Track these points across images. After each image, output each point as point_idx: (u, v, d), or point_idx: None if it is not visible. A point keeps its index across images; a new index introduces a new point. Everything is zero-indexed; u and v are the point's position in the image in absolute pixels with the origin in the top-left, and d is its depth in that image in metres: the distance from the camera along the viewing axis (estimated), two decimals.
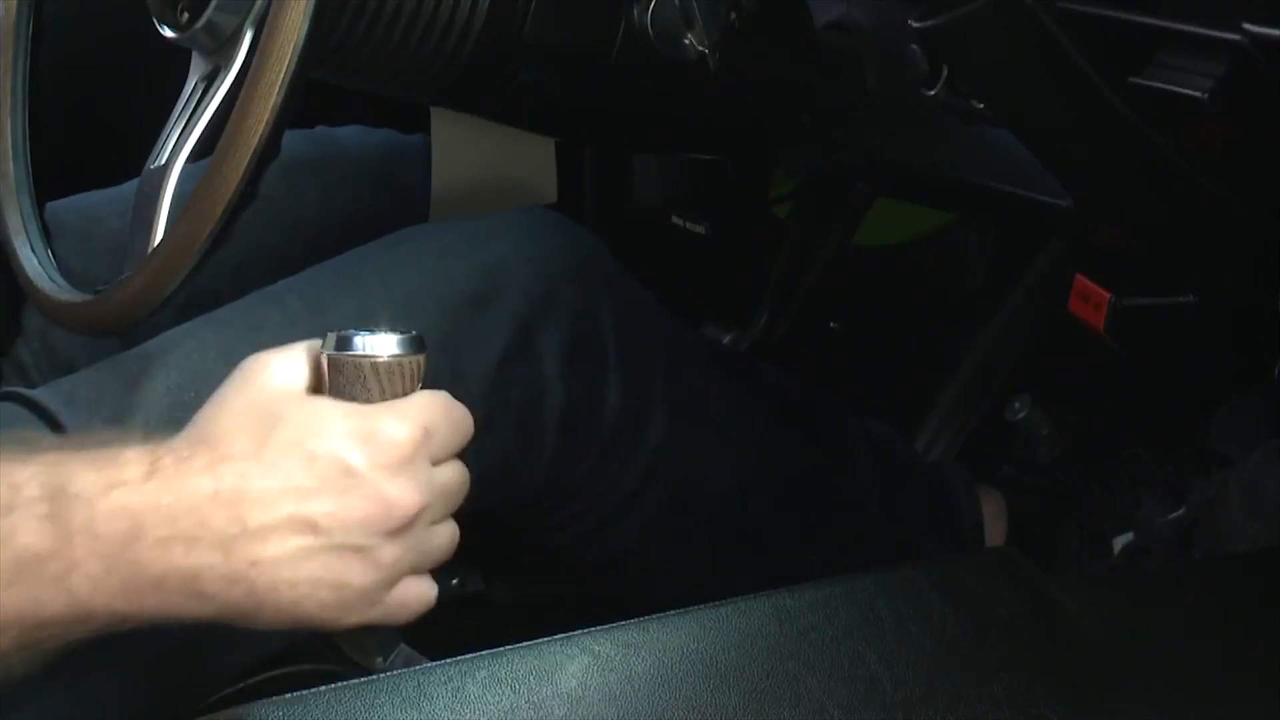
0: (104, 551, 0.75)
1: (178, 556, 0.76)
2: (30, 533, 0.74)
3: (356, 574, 0.79)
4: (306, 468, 0.79)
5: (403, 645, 0.84)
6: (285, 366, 0.82)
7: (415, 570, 0.82)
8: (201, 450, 0.79)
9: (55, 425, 0.93)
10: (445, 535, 0.83)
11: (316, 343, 0.83)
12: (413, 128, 1.31)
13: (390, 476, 0.79)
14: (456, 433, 0.84)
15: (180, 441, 0.80)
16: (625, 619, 0.78)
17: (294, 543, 0.78)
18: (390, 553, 0.80)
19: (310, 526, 0.78)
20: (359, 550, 0.79)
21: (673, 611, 0.78)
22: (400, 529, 0.80)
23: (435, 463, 0.82)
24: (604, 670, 0.74)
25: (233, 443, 0.79)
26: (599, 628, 0.77)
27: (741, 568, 1.20)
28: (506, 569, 1.32)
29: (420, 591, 0.82)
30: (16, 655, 0.75)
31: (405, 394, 0.82)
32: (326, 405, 0.81)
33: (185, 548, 0.76)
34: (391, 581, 0.81)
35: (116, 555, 0.75)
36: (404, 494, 0.80)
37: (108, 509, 0.75)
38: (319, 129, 1.30)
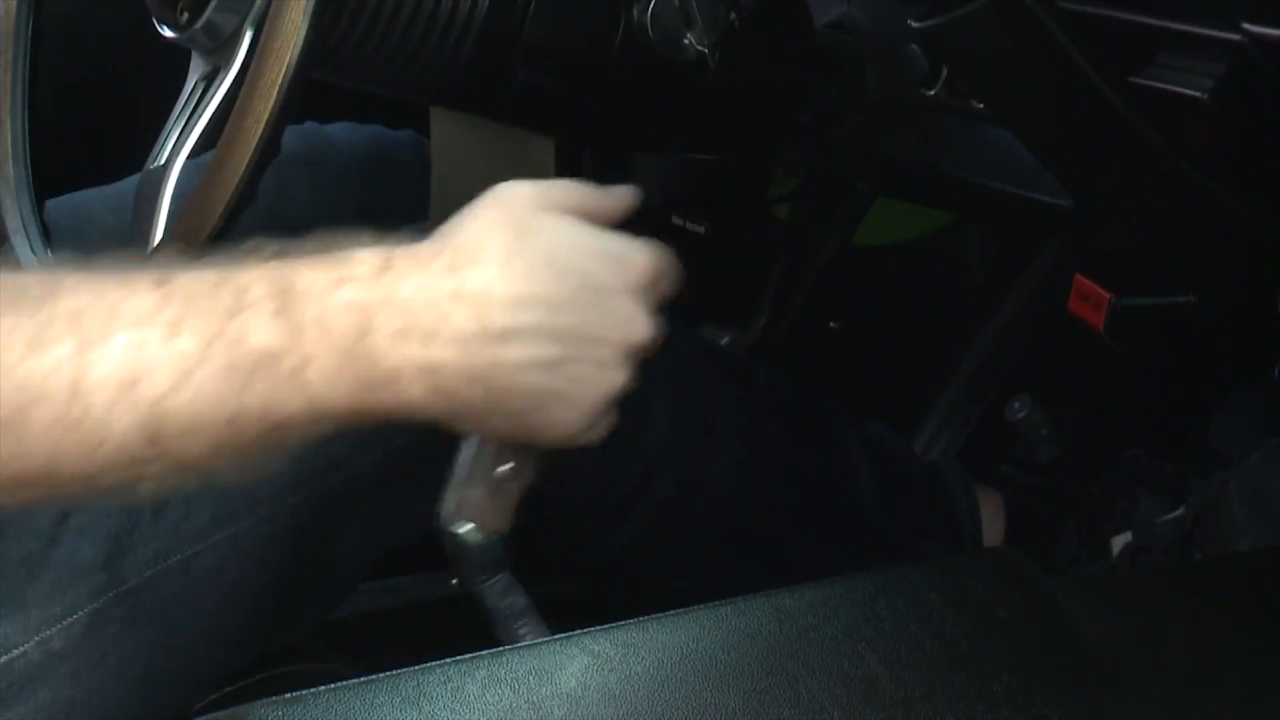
0: (337, 345, 0.75)
1: (414, 350, 0.76)
2: (261, 331, 0.73)
3: (590, 393, 0.80)
4: (557, 280, 0.79)
5: (507, 573, 0.85)
6: (538, 190, 0.82)
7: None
8: (445, 254, 0.78)
9: None
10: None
11: (568, 183, 0.85)
12: (400, 124, 1.31)
13: (635, 302, 0.81)
14: (665, 287, 0.85)
15: (421, 246, 0.79)
16: (625, 619, 0.78)
17: (539, 351, 0.78)
18: (619, 378, 0.81)
19: (556, 338, 0.78)
20: (598, 367, 0.80)
21: (673, 611, 0.77)
22: (632, 357, 0.81)
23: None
24: (604, 670, 0.74)
25: (480, 248, 0.78)
26: (599, 628, 0.77)
27: (741, 568, 1.20)
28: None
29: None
30: (260, 456, 0.75)
31: None
32: (577, 224, 0.81)
33: (422, 342, 0.76)
34: (609, 408, 0.82)
35: (349, 348, 0.75)
36: (645, 322, 0.81)
37: (338, 304, 0.75)
38: (308, 125, 1.30)
